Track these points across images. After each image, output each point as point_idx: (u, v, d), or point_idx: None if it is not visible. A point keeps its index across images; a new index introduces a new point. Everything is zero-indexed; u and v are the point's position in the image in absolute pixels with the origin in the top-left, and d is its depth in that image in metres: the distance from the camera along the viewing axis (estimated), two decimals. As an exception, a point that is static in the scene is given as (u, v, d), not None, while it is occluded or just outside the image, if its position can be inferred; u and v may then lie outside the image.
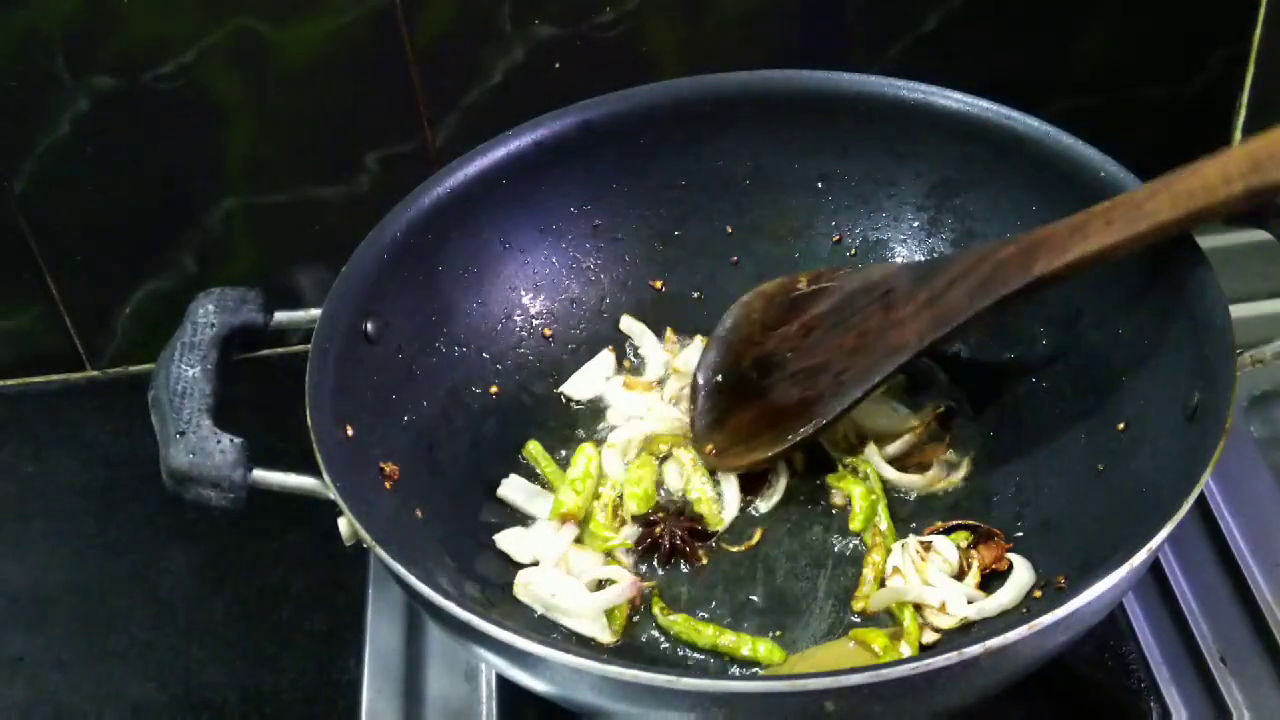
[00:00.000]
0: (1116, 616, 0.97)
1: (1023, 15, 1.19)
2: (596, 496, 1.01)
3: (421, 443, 0.99)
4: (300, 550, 1.11)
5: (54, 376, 1.28)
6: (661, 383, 1.09)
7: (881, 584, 0.95)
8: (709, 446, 1.03)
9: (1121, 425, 0.94)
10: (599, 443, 1.05)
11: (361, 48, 1.12)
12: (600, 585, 0.95)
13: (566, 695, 0.81)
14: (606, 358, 1.10)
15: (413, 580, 0.80)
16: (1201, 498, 0.89)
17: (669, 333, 1.12)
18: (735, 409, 1.04)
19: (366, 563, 1.06)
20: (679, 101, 1.09)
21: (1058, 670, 0.89)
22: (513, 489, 1.02)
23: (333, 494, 0.84)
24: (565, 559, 0.97)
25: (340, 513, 0.84)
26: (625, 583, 0.94)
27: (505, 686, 0.97)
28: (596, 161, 1.09)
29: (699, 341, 1.10)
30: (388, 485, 0.93)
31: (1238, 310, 0.87)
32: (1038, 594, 0.92)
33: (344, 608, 1.05)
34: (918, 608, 0.92)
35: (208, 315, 0.95)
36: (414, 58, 1.13)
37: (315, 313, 0.95)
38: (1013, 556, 0.94)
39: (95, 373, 1.28)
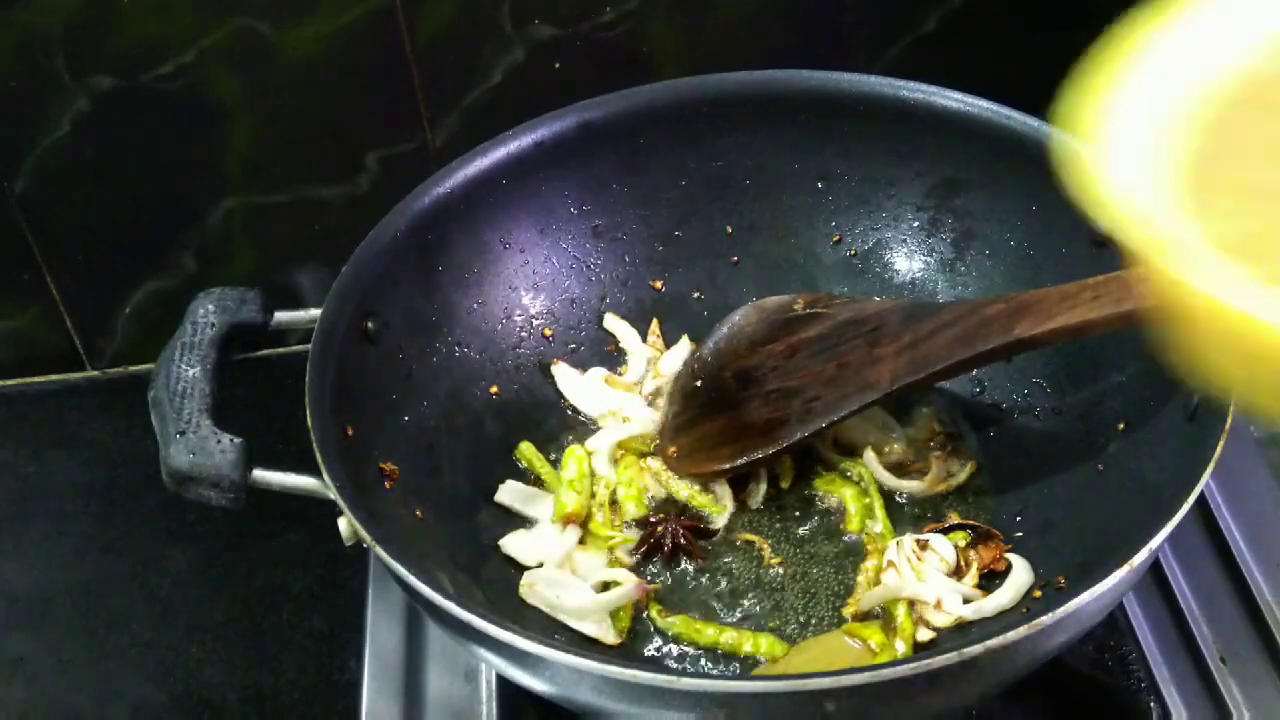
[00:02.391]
0: (1116, 616, 0.97)
1: (1023, 15, 1.19)
2: (592, 496, 1.02)
3: (421, 443, 0.99)
4: (300, 550, 1.11)
5: (54, 376, 1.28)
6: (640, 382, 1.10)
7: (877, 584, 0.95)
8: (672, 448, 1.04)
9: (1121, 425, 0.94)
10: (584, 443, 1.06)
11: (361, 48, 1.11)
12: (606, 587, 0.96)
13: (567, 695, 0.81)
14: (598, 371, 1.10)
15: (413, 580, 0.80)
16: (1201, 498, 0.89)
17: (654, 325, 1.12)
18: (706, 417, 1.04)
19: (366, 563, 1.06)
20: (679, 101, 1.09)
21: (1058, 670, 0.89)
22: (510, 494, 1.02)
23: (333, 494, 0.84)
24: (570, 560, 0.98)
25: (340, 513, 0.84)
26: (630, 584, 0.94)
27: (505, 686, 0.97)
28: (596, 161, 1.09)
29: (684, 343, 1.11)
30: (388, 485, 0.93)
31: (1238, 310, 0.87)
32: (1037, 594, 0.92)
33: (344, 608, 1.05)
34: (915, 606, 0.92)
35: (208, 315, 0.95)
36: (414, 58, 1.13)
37: (315, 313, 0.95)
38: (1011, 557, 0.94)
39: (95, 373, 1.28)
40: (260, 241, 1.22)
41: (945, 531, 0.97)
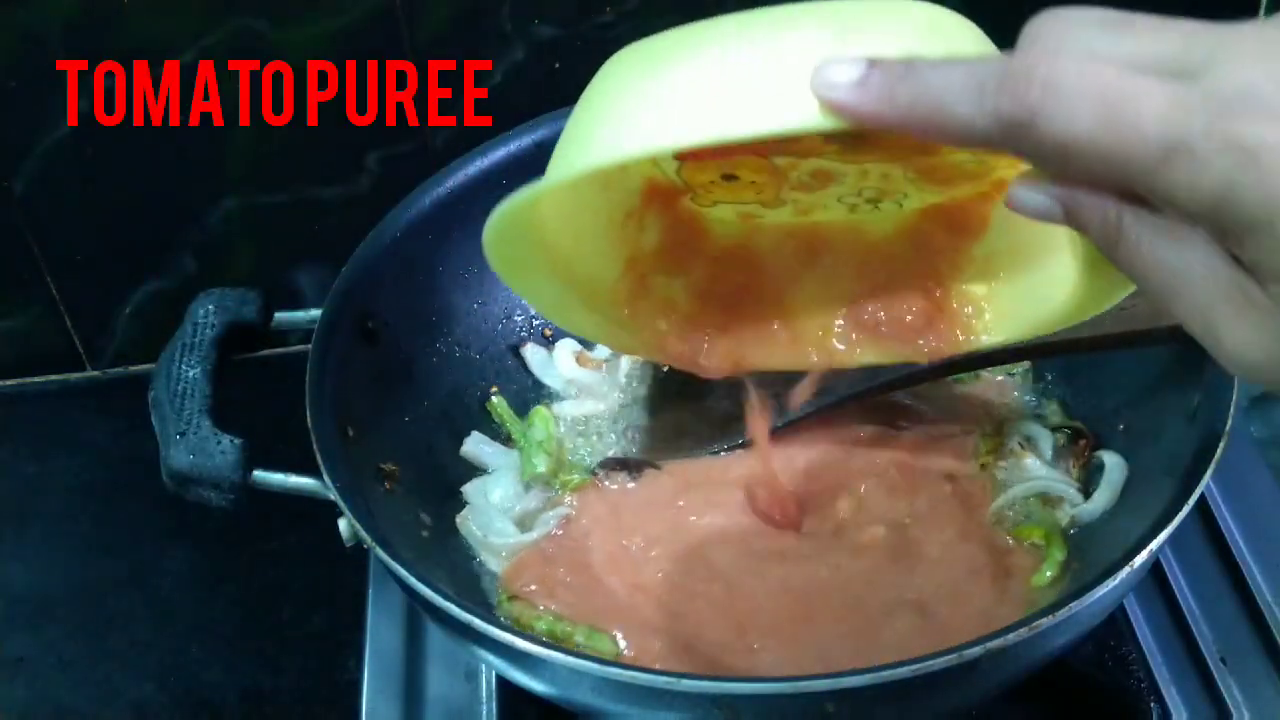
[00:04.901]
0: (1116, 617, 0.97)
1: (1023, 17, 1.19)
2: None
3: (421, 443, 0.99)
4: (300, 550, 1.11)
5: (54, 376, 1.28)
6: (607, 362, 1.09)
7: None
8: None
9: (1122, 426, 0.94)
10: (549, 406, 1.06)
11: (361, 48, 1.11)
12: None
13: (566, 696, 0.81)
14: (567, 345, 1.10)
15: (413, 580, 0.80)
16: (1201, 498, 0.89)
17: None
18: (667, 407, 1.04)
19: (366, 563, 1.06)
20: (679, 101, 1.08)
21: (1058, 670, 0.89)
22: (475, 444, 1.02)
23: (333, 494, 0.84)
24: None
25: (340, 513, 0.85)
26: None
27: (505, 686, 0.97)
28: (596, 162, 1.08)
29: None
30: (388, 485, 0.93)
31: (1238, 311, 0.87)
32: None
33: (344, 608, 1.05)
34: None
35: (208, 315, 0.95)
36: (414, 58, 1.13)
37: (315, 313, 0.95)
38: (1104, 454, 0.94)
39: (95, 373, 1.28)
40: (260, 241, 1.21)
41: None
